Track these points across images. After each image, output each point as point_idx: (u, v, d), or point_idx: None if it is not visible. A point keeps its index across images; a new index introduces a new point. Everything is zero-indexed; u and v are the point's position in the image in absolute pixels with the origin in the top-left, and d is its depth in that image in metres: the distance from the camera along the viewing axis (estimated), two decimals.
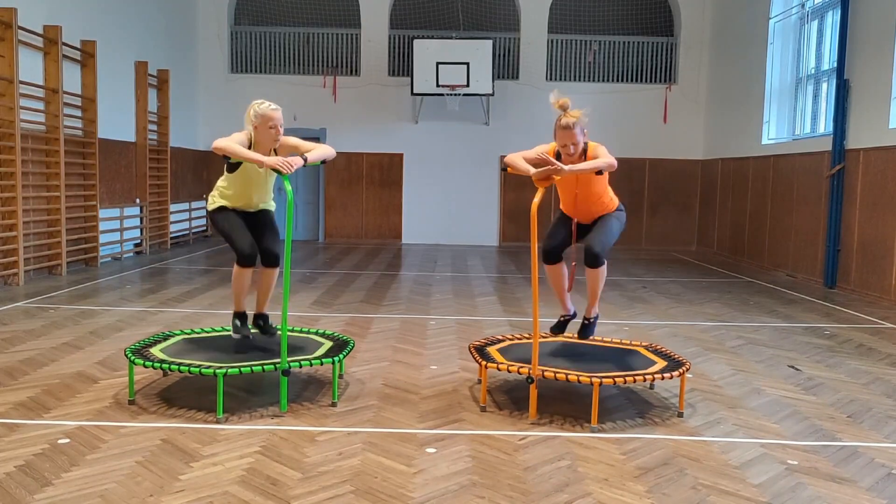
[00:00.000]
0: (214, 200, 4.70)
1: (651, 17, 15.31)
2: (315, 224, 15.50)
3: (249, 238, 4.60)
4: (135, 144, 12.01)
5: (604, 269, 4.59)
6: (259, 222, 4.74)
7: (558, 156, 4.51)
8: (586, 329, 4.81)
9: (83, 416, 4.18)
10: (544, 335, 5.26)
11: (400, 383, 4.98)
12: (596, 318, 4.81)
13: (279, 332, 4.83)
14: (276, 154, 4.58)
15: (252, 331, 4.91)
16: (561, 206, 4.81)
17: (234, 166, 4.51)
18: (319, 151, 4.45)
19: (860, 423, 4.41)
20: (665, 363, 4.63)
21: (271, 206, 4.86)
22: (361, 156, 15.28)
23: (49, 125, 9.31)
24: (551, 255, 4.73)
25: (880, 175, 9.05)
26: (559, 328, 4.94)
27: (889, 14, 9.04)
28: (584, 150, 4.46)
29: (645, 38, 15.27)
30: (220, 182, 4.69)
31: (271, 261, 4.74)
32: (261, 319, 4.88)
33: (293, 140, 4.60)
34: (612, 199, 4.64)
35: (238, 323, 4.78)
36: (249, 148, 4.45)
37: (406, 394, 4.76)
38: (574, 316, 4.99)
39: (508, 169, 4.47)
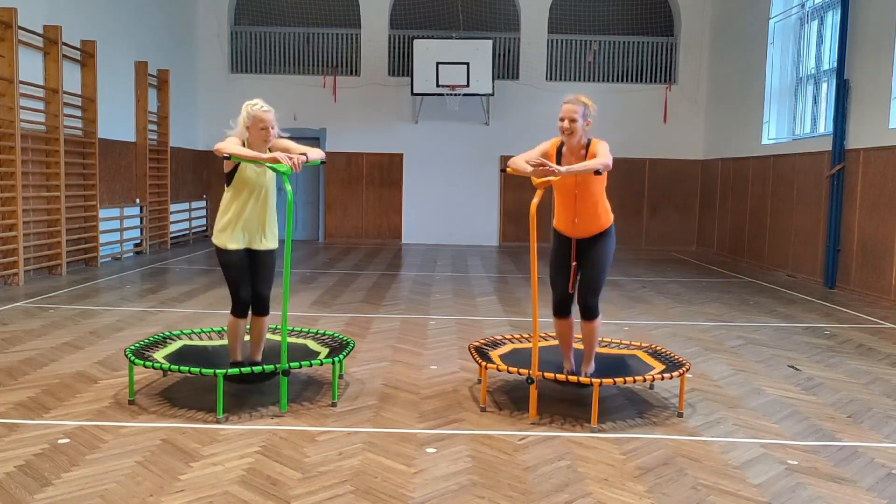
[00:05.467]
0: (220, 234, 4.45)
1: (651, 17, 15.30)
2: (315, 224, 15.50)
3: (247, 289, 4.47)
4: (135, 144, 12.01)
5: (599, 322, 4.51)
6: (265, 267, 4.53)
7: (560, 153, 4.48)
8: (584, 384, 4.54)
9: (83, 416, 4.18)
10: (544, 336, 5.26)
11: (400, 383, 4.98)
12: (593, 374, 4.56)
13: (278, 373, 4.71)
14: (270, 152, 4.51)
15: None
16: (555, 224, 4.58)
17: (230, 176, 4.38)
18: (315, 152, 4.42)
19: (860, 423, 4.41)
20: (664, 364, 4.63)
21: (276, 238, 4.59)
22: (361, 156, 15.28)
23: (49, 125, 9.31)
24: (561, 309, 4.54)
25: (880, 175, 9.05)
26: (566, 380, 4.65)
27: (889, 14, 9.04)
28: (587, 146, 4.42)
29: (645, 38, 15.27)
30: (223, 200, 4.47)
31: (260, 308, 4.56)
32: (255, 365, 4.58)
33: (285, 142, 4.52)
34: (607, 211, 4.47)
35: (237, 370, 4.50)
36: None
37: (406, 394, 4.75)
38: (576, 373, 4.69)
39: (507, 170, 4.44)
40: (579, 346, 4.91)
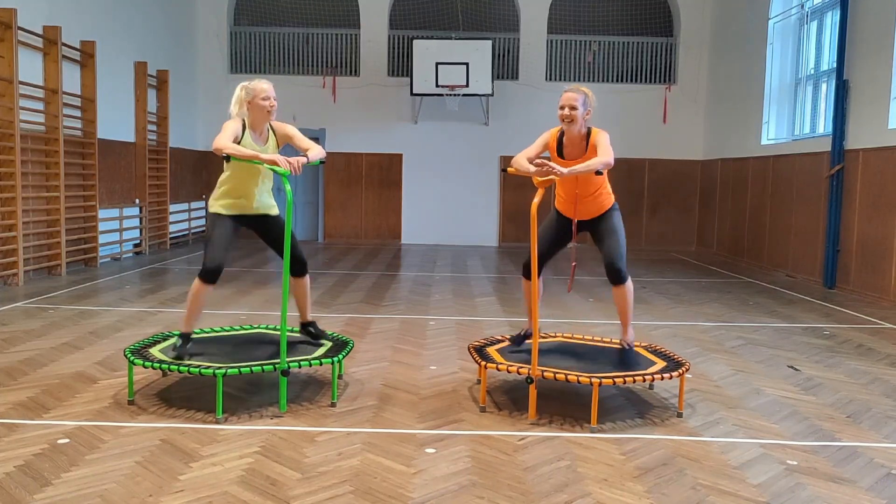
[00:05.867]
0: (214, 202, 4.58)
1: (651, 18, 15.31)
2: (314, 224, 15.50)
3: (223, 256, 4.43)
4: (134, 145, 12.01)
5: (630, 284, 4.52)
6: (274, 231, 4.61)
7: (560, 143, 4.49)
8: (627, 353, 4.60)
9: (83, 416, 4.18)
10: (543, 336, 5.26)
11: (399, 384, 4.98)
12: (632, 343, 4.64)
13: (327, 337, 4.88)
14: (273, 133, 4.57)
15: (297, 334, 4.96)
16: (556, 205, 4.71)
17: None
18: (316, 150, 4.43)
19: (859, 423, 4.41)
20: (664, 363, 4.63)
21: (274, 206, 4.73)
22: (361, 156, 15.28)
23: (49, 125, 9.31)
24: (529, 269, 4.52)
25: (880, 175, 9.05)
26: (518, 341, 4.79)
27: (889, 14, 9.04)
28: (588, 136, 4.44)
29: (645, 38, 15.27)
30: (222, 175, 4.58)
31: (299, 268, 4.67)
32: (310, 327, 4.89)
33: (290, 128, 4.58)
34: (609, 194, 4.59)
35: (179, 343, 4.51)
36: (244, 131, 4.44)
37: (405, 394, 4.75)
38: (529, 335, 4.76)
39: (509, 170, 4.46)
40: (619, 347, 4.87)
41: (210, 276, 4.43)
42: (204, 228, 14.74)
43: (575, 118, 4.34)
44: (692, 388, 4.98)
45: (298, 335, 5.13)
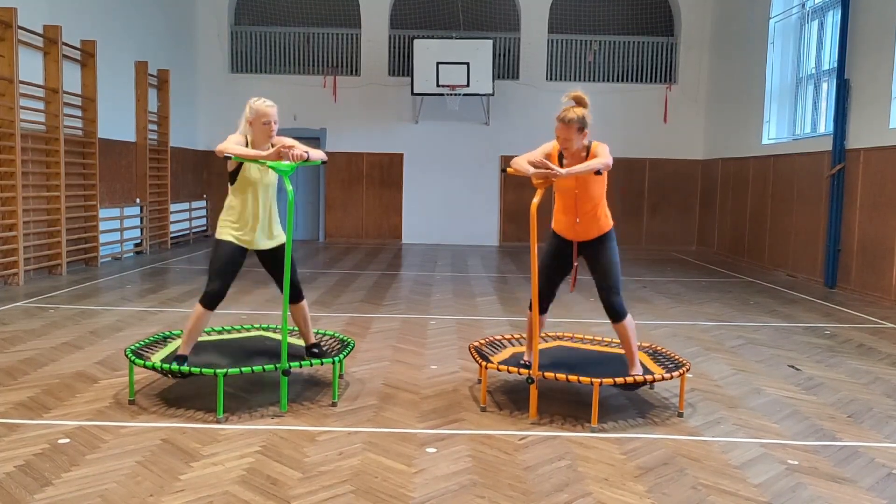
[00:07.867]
0: (222, 229, 4.49)
1: (651, 17, 15.31)
2: (315, 224, 15.49)
3: (226, 283, 4.41)
4: (135, 144, 12.01)
5: (629, 321, 4.42)
6: (278, 259, 4.56)
7: (562, 155, 4.49)
8: (632, 387, 4.52)
9: (83, 416, 4.18)
10: (544, 336, 5.25)
11: (400, 383, 4.98)
12: (639, 373, 4.44)
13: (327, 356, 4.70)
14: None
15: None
16: (554, 227, 4.60)
17: (234, 175, 4.43)
18: (316, 153, 4.45)
19: (860, 423, 4.41)
20: (665, 364, 4.63)
21: (282, 235, 4.61)
22: (361, 156, 15.28)
23: (49, 125, 9.31)
24: (540, 305, 4.51)
25: (880, 175, 9.04)
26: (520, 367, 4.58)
27: (889, 14, 9.04)
28: (588, 148, 4.44)
29: (645, 38, 15.27)
30: (227, 201, 4.52)
31: (295, 296, 4.59)
32: (314, 348, 4.78)
33: (289, 141, 4.58)
34: (607, 216, 4.48)
35: (176, 364, 4.34)
36: (246, 146, 4.45)
37: (406, 394, 4.75)
38: (529, 366, 4.52)
39: (508, 170, 4.45)
40: (620, 350, 4.81)
41: (210, 301, 4.38)
42: (205, 228, 14.83)
43: (571, 147, 4.35)
44: (693, 388, 4.98)
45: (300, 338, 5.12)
